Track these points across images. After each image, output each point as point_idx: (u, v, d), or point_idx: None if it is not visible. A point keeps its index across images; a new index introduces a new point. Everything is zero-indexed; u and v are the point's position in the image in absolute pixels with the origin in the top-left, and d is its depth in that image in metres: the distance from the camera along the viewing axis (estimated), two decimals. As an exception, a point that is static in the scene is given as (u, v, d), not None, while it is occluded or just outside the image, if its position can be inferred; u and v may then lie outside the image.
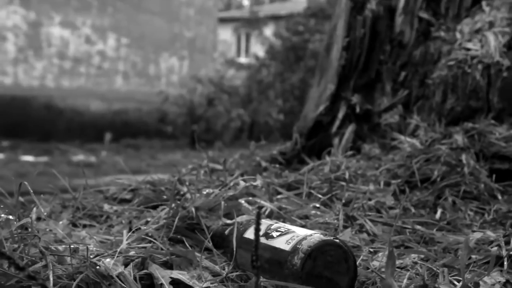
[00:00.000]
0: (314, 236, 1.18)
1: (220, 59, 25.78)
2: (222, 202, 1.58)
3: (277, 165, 2.57)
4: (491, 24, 2.49)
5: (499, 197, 1.85)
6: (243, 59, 31.86)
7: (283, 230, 1.26)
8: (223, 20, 31.20)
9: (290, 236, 1.21)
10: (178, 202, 1.61)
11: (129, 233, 1.47)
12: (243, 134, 16.87)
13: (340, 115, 2.71)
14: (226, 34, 31.43)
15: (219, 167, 2.57)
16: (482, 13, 2.56)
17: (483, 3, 2.60)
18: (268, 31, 25.68)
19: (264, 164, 2.67)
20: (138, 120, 16.57)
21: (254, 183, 1.74)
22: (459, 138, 2.04)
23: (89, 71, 15.46)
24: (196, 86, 15.80)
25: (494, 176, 1.90)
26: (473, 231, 1.58)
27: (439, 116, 2.36)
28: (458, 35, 2.55)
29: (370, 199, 1.81)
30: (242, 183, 1.72)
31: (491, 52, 2.31)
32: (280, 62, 17.37)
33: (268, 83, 16.27)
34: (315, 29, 17.15)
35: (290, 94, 16.37)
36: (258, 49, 21.30)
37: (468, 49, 2.38)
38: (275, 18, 30.22)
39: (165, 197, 1.80)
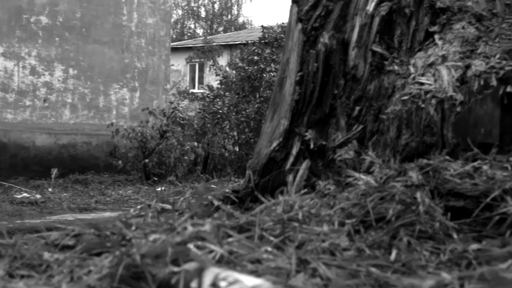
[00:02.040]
0: (263, 286, 1.10)
1: (173, 90, 25.69)
2: (170, 249, 1.49)
3: (230, 204, 2.48)
4: (444, 58, 2.47)
5: (455, 236, 1.80)
6: (197, 90, 31.85)
7: (232, 280, 1.18)
8: (176, 50, 31.19)
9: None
10: (123, 249, 1.50)
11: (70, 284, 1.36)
12: (197, 167, 16.72)
13: (294, 151, 2.64)
14: (179, 64, 31.40)
15: (169, 206, 2.46)
16: (435, 47, 2.55)
17: (436, 37, 2.59)
18: (223, 61, 25.76)
19: (216, 203, 2.58)
20: (87, 154, 16.27)
21: (203, 228, 1.64)
22: (414, 175, 1.99)
23: (35, 103, 15.14)
24: (148, 119, 15.60)
25: (449, 214, 1.85)
26: (428, 273, 1.52)
27: (394, 152, 2.32)
28: (411, 69, 2.52)
29: (324, 241, 1.74)
30: (190, 228, 1.62)
31: (444, 86, 2.29)
32: (235, 93, 17.35)
33: (222, 114, 16.21)
34: (270, 59, 17.22)
35: (245, 125, 16.34)
36: (213, 79, 21.31)
37: (422, 84, 2.35)
38: (230, 47, 30.38)
39: (109, 244, 1.69)
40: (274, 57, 16.50)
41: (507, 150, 2.15)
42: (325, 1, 2.74)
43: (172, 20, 42.81)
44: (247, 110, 16.03)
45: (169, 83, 19.72)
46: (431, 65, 2.47)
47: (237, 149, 17.20)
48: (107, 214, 8.71)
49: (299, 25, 2.75)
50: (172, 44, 28.13)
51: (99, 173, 16.51)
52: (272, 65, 16.74)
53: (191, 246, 1.58)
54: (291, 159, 2.65)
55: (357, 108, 2.60)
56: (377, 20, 2.65)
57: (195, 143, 15.68)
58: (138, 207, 2.61)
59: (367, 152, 2.43)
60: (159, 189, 14.02)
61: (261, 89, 16.66)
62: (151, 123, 15.71)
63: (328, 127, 2.65)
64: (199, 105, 19.43)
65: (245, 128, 16.15)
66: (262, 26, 17.88)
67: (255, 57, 16.55)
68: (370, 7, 2.66)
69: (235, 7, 48.27)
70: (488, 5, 2.73)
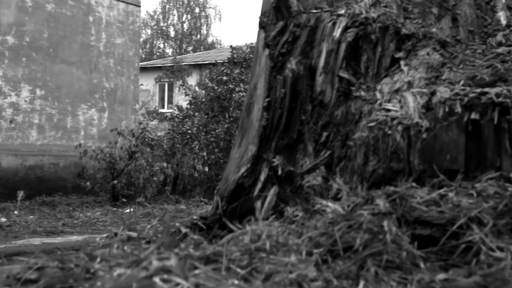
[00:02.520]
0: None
1: (142, 110, 25.56)
2: (135, 284, 1.46)
3: (198, 231, 2.45)
4: (410, 84, 2.49)
5: (422, 265, 1.80)
6: (166, 109, 31.75)
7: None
8: (146, 69, 31.10)
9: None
10: (87, 285, 1.47)
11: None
12: (166, 188, 16.60)
13: (262, 177, 2.63)
14: (148, 83, 31.29)
15: (135, 235, 2.43)
16: (401, 73, 2.57)
17: (402, 63, 2.61)
18: (192, 80, 25.73)
19: (184, 230, 2.55)
20: (54, 175, 16.06)
21: (168, 263, 1.61)
22: (381, 203, 1.99)
23: (1, 124, 14.91)
24: (116, 139, 15.48)
25: (416, 243, 1.85)
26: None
27: (361, 178, 2.32)
28: (378, 95, 2.54)
29: (291, 272, 1.72)
30: (155, 263, 1.59)
31: (410, 113, 2.30)
32: (205, 113, 17.34)
33: (192, 134, 16.16)
34: (239, 79, 17.27)
35: (215, 145, 16.31)
36: (182, 99, 21.25)
37: (388, 110, 2.36)
38: (199, 66, 30.37)
39: (72, 280, 1.65)
40: (243, 77, 16.55)
41: (472, 177, 2.16)
42: (292, 27, 2.75)
43: (141, 39, 42.72)
44: (217, 130, 16.02)
45: (138, 103, 19.64)
46: (397, 91, 2.49)
47: (206, 169, 17.14)
48: (74, 237, 8.58)
49: (266, 51, 2.76)
50: (141, 63, 28.06)
51: (66, 194, 16.29)
52: (241, 85, 16.78)
53: (157, 280, 1.56)
54: (259, 185, 2.63)
55: (325, 133, 2.61)
56: (343, 46, 2.66)
57: (164, 164, 15.59)
58: (105, 235, 2.57)
59: (335, 179, 2.43)
60: (127, 210, 13.89)
61: (231, 109, 16.69)
62: (119, 143, 15.59)
63: (296, 153, 2.65)
64: (169, 125, 19.37)
65: (215, 148, 16.12)
66: (231, 46, 17.95)
67: (224, 77, 16.58)
68: (337, 33, 2.68)
69: (204, 27, 48.42)
70: (452, 32, 2.77)
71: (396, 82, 2.53)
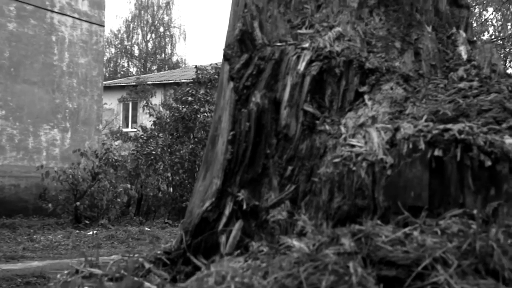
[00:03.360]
0: None
1: (105, 130, 25.31)
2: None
3: (162, 266, 2.41)
4: (374, 119, 2.50)
5: (389, 306, 1.79)
6: (130, 129, 31.51)
7: None
8: (110, 88, 30.87)
9: None
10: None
11: None
12: (130, 209, 16.43)
13: (227, 211, 2.61)
14: (112, 103, 31.05)
15: (98, 271, 2.38)
16: (365, 107, 2.58)
17: (366, 97, 2.62)
18: (157, 99, 25.60)
19: (147, 265, 2.51)
20: (15, 197, 15.76)
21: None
22: (346, 242, 1.98)
23: (-40, 145, 14.61)
24: (79, 160, 15.29)
25: (382, 285, 1.85)
26: None
27: (326, 215, 2.31)
28: (342, 129, 2.54)
29: (258, 315, 1.70)
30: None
31: (374, 149, 2.31)
32: (169, 134, 17.26)
33: (156, 155, 16.05)
34: (204, 100, 17.24)
35: (179, 166, 16.22)
36: (146, 118, 21.10)
37: (353, 146, 2.37)
38: (163, 86, 30.26)
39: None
40: (208, 97, 16.54)
41: (436, 213, 2.17)
42: (256, 59, 2.74)
43: (105, 58, 42.41)
44: (181, 151, 15.95)
45: (101, 123, 19.46)
46: (361, 125, 2.50)
47: (171, 190, 17.02)
48: (35, 263, 8.40)
49: (231, 84, 2.74)
50: (105, 82, 27.84)
51: (28, 216, 16.01)
52: (206, 105, 16.77)
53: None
54: (224, 219, 2.61)
55: (290, 167, 2.60)
56: (308, 79, 2.66)
57: (128, 185, 15.43)
58: (65, 271, 2.51)
59: (300, 214, 2.42)
60: (90, 233, 13.68)
61: (195, 130, 16.64)
62: (82, 164, 15.40)
63: (261, 187, 2.63)
64: (133, 145, 19.20)
65: (179, 169, 16.04)
66: (195, 66, 17.95)
67: (189, 98, 16.55)
68: (301, 66, 2.68)
69: (168, 46, 48.35)
70: (415, 66, 2.80)
71: (361, 116, 2.54)
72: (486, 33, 21.41)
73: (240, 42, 2.80)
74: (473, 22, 22.10)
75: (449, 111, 2.45)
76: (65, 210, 15.16)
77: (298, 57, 2.70)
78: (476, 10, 21.83)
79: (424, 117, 2.45)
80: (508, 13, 20.85)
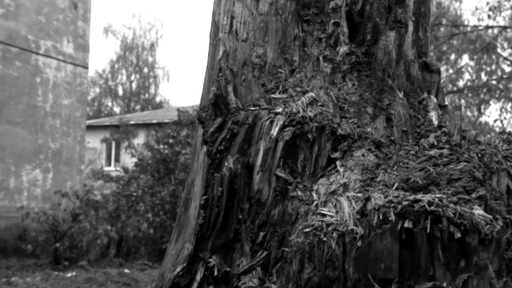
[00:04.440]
0: None
1: (87, 170, 25.16)
2: None
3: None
4: (346, 186, 2.51)
5: None
6: (113, 167, 31.34)
7: None
8: (93, 127, 30.81)
9: None
10: None
11: None
12: (110, 251, 16.25)
13: (198, 277, 2.59)
14: (95, 141, 30.94)
15: None
16: (337, 174, 2.60)
17: (338, 164, 2.64)
18: (140, 139, 25.55)
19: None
20: (-6, 238, 15.55)
21: None
22: (316, 318, 1.97)
23: None
24: (60, 201, 15.15)
25: None
26: None
27: (297, 286, 2.30)
28: (314, 196, 2.55)
29: None
30: None
31: (345, 219, 2.32)
32: (151, 175, 17.19)
33: (137, 197, 15.96)
34: (185, 142, 17.24)
35: (160, 208, 16.13)
36: (129, 157, 21.02)
37: (324, 215, 2.37)
38: (147, 126, 30.25)
39: None
40: (189, 140, 16.54)
41: (407, 286, 2.17)
42: (230, 124, 2.76)
43: (89, 97, 42.51)
44: (162, 193, 15.86)
45: (83, 164, 19.36)
46: (333, 193, 2.51)
47: (151, 231, 16.88)
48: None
49: (204, 148, 2.76)
50: (88, 122, 27.77)
51: (7, 257, 15.76)
52: (188, 148, 16.75)
53: None
54: (195, 285, 2.59)
55: (262, 233, 2.60)
56: (281, 144, 2.68)
57: (109, 227, 15.28)
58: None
59: (271, 281, 2.41)
60: (69, 275, 13.48)
61: (176, 171, 16.58)
62: (63, 205, 15.25)
63: (232, 252, 2.63)
64: (115, 186, 19.09)
65: (160, 211, 15.93)
66: (177, 109, 17.98)
67: (170, 140, 16.54)
68: (274, 131, 2.70)
69: (152, 86, 48.48)
70: (387, 132, 2.83)
71: (332, 183, 2.55)
72: (461, 80, 21.73)
73: (214, 105, 2.82)
74: (449, 69, 22.43)
75: (419, 179, 2.48)
76: (45, 251, 14.95)
77: (272, 122, 2.72)
78: (452, 57, 22.17)
79: (395, 185, 2.47)
80: (482, 61, 21.21)
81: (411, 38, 3.25)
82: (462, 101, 22.22)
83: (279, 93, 2.87)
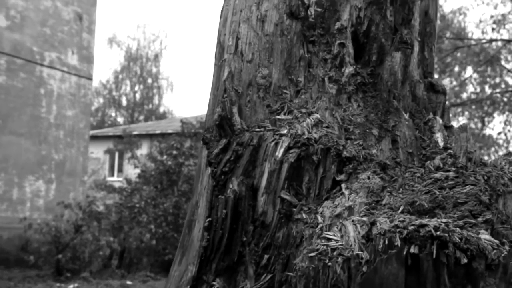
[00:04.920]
0: None
1: (90, 180, 25.16)
2: None
3: None
4: (351, 210, 2.50)
5: None
6: (116, 177, 31.35)
7: None
8: (96, 138, 30.85)
9: None
10: None
11: None
12: (112, 262, 16.23)
13: (202, 300, 2.58)
14: (98, 152, 30.98)
15: None
16: (342, 197, 2.58)
17: (343, 186, 2.63)
18: (144, 149, 25.56)
19: None
20: (-4, 248, 15.54)
21: None
22: None
23: None
24: (63, 212, 15.16)
25: None
26: None
27: (302, 312, 2.29)
28: (319, 218, 2.54)
29: None
30: None
31: (350, 243, 2.30)
32: (154, 186, 17.18)
33: (140, 208, 15.95)
34: (189, 153, 17.25)
35: (163, 219, 16.11)
36: (132, 167, 21.03)
37: (329, 239, 2.36)
38: (150, 136, 30.28)
39: None
40: (192, 151, 16.55)
41: (412, 313, 2.15)
42: (235, 145, 2.75)
43: (93, 108, 42.60)
44: (165, 204, 15.86)
45: (86, 174, 19.37)
46: (338, 216, 2.49)
47: (154, 242, 16.85)
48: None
49: (209, 170, 2.75)
50: (92, 132, 27.81)
51: (9, 268, 15.74)
52: (191, 159, 16.76)
53: None
54: (199, 308, 2.57)
55: (266, 256, 2.58)
56: (285, 166, 2.67)
57: (111, 238, 15.28)
58: None
59: (275, 306, 2.39)
60: (71, 286, 13.46)
61: (180, 183, 16.58)
62: (66, 216, 15.27)
63: (236, 275, 2.61)
64: (117, 196, 19.09)
65: (163, 222, 15.92)
66: (181, 120, 18.02)
67: (174, 151, 16.56)
68: (279, 153, 2.69)
69: (156, 97, 48.66)
70: (392, 153, 2.82)
71: (337, 206, 2.54)
72: (464, 93, 21.73)
73: (219, 127, 2.81)
74: (453, 81, 22.42)
75: (425, 203, 2.46)
76: (47, 262, 14.94)
77: (276, 144, 2.71)
78: (456, 68, 22.18)
79: (401, 208, 2.46)
80: (486, 74, 21.23)
81: (417, 58, 3.25)
82: (466, 113, 22.21)
83: (284, 114, 2.86)
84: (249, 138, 2.75)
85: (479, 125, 21.60)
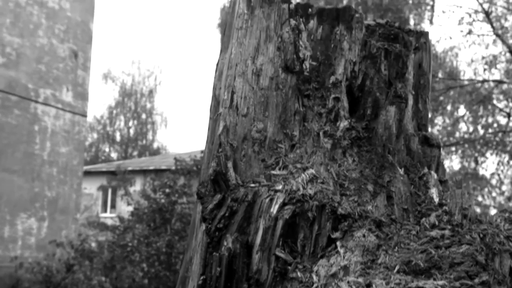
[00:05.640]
0: None
1: (83, 217, 25.01)
2: None
3: None
4: (346, 269, 2.48)
5: None
6: (109, 213, 31.18)
7: None
8: (90, 173, 30.75)
9: None
10: None
11: None
12: (104, 302, 16.04)
13: None
14: (92, 188, 30.86)
15: None
16: (338, 255, 2.56)
17: (338, 244, 2.61)
18: (137, 185, 25.46)
19: None
20: (-14, 290, 15.35)
21: None
22: None
23: None
24: (55, 250, 15.04)
25: None
26: None
27: None
28: (314, 278, 2.51)
29: None
30: None
31: (346, 305, 2.27)
32: (146, 224, 17.08)
33: (132, 247, 15.82)
34: (182, 192, 17.20)
35: (155, 258, 15.98)
36: (125, 203, 20.91)
37: (325, 301, 2.33)
38: (144, 172, 30.22)
39: None
40: (186, 189, 16.51)
41: None
42: (229, 201, 2.74)
43: (87, 143, 42.52)
44: (158, 243, 15.74)
45: (79, 212, 19.26)
46: (333, 275, 2.47)
47: (146, 281, 16.70)
48: None
49: (203, 226, 2.72)
50: (85, 167, 27.72)
51: (-2, 307, 15.53)
52: (184, 197, 16.71)
53: None
54: None
55: (261, 316, 2.55)
56: (280, 223, 2.65)
57: (103, 278, 15.13)
58: None
59: None
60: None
61: (173, 221, 16.50)
62: (58, 254, 15.14)
63: (231, 333, 2.57)
64: (110, 234, 18.95)
65: (155, 261, 15.78)
66: (174, 158, 18.01)
67: (167, 189, 16.51)
68: (274, 209, 2.67)
69: (150, 133, 48.72)
70: (387, 210, 2.80)
71: (333, 265, 2.51)
72: (457, 132, 21.82)
73: (214, 182, 2.80)
74: (446, 119, 22.55)
75: (421, 262, 2.44)
76: (37, 303, 14.77)
77: (271, 200, 2.70)
78: (449, 107, 22.31)
79: (397, 268, 2.44)
80: (478, 114, 21.38)
81: (411, 111, 3.26)
82: (459, 151, 22.27)
83: (279, 169, 2.85)
84: (244, 193, 2.74)
85: (473, 164, 21.68)
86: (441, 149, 3.24)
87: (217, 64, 3.20)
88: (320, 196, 2.70)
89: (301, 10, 3.18)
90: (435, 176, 3.02)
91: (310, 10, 3.19)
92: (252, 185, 2.78)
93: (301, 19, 3.14)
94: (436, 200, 2.89)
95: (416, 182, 2.99)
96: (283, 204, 2.69)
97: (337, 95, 3.05)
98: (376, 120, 3.07)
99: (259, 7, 3.08)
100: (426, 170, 3.06)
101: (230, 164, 2.81)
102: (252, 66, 3.01)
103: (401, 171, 2.96)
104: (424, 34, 3.49)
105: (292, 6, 3.14)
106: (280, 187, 2.74)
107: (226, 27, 3.21)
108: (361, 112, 3.10)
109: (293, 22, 3.10)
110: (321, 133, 2.96)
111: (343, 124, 3.01)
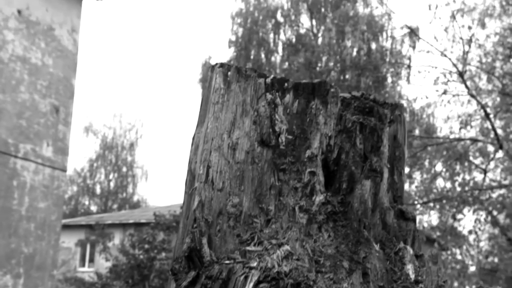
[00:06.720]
0: None
1: (60, 271, 24.58)
2: None
3: None
4: None
5: None
6: (87, 268, 30.69)
7: None
8: (68, 227, 30.36)
9: None
10: None
11: None
12: None
13: None
14: (70, 241, 30.42)
15: None
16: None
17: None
18: (116, 240, 25.16)
19: None
20: None
21: None
22: None
23: None
24: (30, 309, 14.71)
25: None
26: None
27: None
28: None
29: None
30: None
31: None
32: (124, 281, 16.85)
33: (110, 305, 15.57)
34: (161, 247, 17.07)
35: (133, 317, 15.72)
36: (103, 257, 20.60)
37: None
38: (123, 226, 29.92)
39: None
40: (165, 245, 16.38)
41: None
42: (203, 278, 2.71)
43: (67, 196, 42.17)
44: (137, 301, 15.51)
45: (56, 268, 18.92)
46: None
47: None
48: None
49: (177, 304, 2.69)
50: (64, 221, 27.39)
51: None
52: (163, 253, 16.57)
53: None
54: None
55: None
56: (255, 302, 2.62)
57: None
58: None
59: None
60: None
61: (151, 277, 16.30)
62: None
63: None
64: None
65: (134, 321, 15.52)
66: (154, 213, 17.91)
67: (146, 245, 16.37)
68: (249, 287, 2.65)
69: (130, 186, 48.48)
70: (363, 287, 2.79)
71: None
72: (434, 190, 21.95)
73: (188, 258, 2.77)
74: (423, 173, 22.72)
75: None
76: None
77: (246, 278, 2.67)
78: (426, 162, 22.50)
79: None
80: (455, 171, 21.58)
81: (386, 183, 3.27)
82: (437, 206, 22.31)
83: (254, 245, 2.83)
84: (219, 271, 2.71)
85: (450, 220, 21.73)
86: (416, 223, 3.24)
87: (193, 138, 3.21)
88: (295, 274, 2.68)
89: (277, 84, 3.21)
90: (411, 251, 3.02)
91: (286, 84, 3.22)
92: (227, 261, 2.76)
93: (277, 93, 3.17)
94: (412, 276, 2.88)
95: (392, 258, 2.98)
96: (258, 282, 2.66)
97: (312, 169, 3.06)
98: (352, 194, 3.08)
99: (236, 82, 3.11)
100: (402, 244, 3.05)
101: (205, 240, 2.79)
102: (228, 140, 3.03)
103: (377, 247, 2.96)
104: (399, 107, 3.53)
105: (268, 80, 3.17)
106: (255, 264, 2.72)
107: (202, 101, 3.23)
108: (337, 185, 3.11)
109: (269, 96, 3.13)
110: (296, 208, 2.96)
111: (319, 198, 3.01)
